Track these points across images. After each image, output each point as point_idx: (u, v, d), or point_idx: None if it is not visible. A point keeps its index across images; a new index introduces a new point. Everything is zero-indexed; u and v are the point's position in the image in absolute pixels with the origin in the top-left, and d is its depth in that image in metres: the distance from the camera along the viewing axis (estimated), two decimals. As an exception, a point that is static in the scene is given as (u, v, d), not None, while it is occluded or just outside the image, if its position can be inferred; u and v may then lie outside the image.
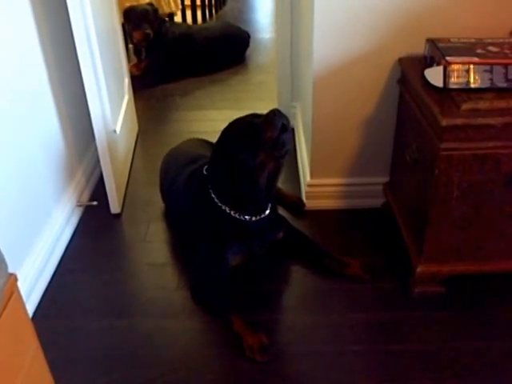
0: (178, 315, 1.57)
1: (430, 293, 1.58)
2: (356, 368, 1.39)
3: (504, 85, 1.36)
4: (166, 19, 3.66)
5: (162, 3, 3.85)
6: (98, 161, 1.97)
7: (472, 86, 1.37)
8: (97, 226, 1.99)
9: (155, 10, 3.36)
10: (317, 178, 1.97)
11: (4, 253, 0.84)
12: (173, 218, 1.96)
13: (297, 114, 2.51)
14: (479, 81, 1.36)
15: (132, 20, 3.27)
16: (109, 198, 2.00)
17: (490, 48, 1.44)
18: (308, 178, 1.99)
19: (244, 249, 1.62)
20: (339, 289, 1.63)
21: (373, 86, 1.75)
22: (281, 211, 1.85)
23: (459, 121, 1.29)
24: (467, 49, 1.44)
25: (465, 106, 1.30)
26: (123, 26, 2.95)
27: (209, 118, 2.84)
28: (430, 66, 1.47)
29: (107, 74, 1.96)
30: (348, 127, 1.84)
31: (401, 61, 1.66)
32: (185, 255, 1.80)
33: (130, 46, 3.49)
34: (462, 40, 1.50)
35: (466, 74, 1.36)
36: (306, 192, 2.01)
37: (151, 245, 1.88)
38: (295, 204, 2.02)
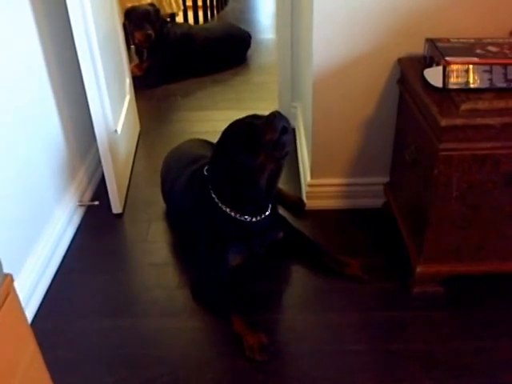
0: (179, 314, 1.57)
1: (429, 293, 1.58)
2: (356, 368, 1.39)
3: (503, 85, 1.36)
4: (167, 20, 3.67)
5: (164, 4, 3.86)
6: (100, 161, 1.97)
7: (471, 86, 1.37)
8: (98, 226, 2.00)
9: (157, 11, 3.35)
10: (317, 178, 1.97)
11: (6, 252, 0.83)
12: (174, 218, 1.96)
13: (297, 114, 2.51)
14: (478, 81, 1.36)
15: (133, 20, 3.27)
16: (110, 197, 2.01)
17: (490, 48, 1.44)
18: (308, 178, 1.99)
19: (244, 249, 1.63)
20: (339, 288, 1.63)
21: (373, 86, 1.76)
22: (281, 211, 1.86)
23: (458, 121, 1.29)
24: (467, 49, 1.44)
25: (464, 107, 1.30)
26: (124, 26, 2.94)
27: (210, 118, 2.84)
28: (430, 66, 1.47)
29: (108, 74, 1.96)
30: (348, 127, 1.84)
31: (400, 61, 1.66)
32: (185, 255, 1.81)
33: (132, 46, 3.49)
34: (462, 40, 1.50)
35: (466, 74, 1.36)
36: (307, 192, 2.01)
37: (152, 245, 1.89)
38: (296, 204, 2.02)
